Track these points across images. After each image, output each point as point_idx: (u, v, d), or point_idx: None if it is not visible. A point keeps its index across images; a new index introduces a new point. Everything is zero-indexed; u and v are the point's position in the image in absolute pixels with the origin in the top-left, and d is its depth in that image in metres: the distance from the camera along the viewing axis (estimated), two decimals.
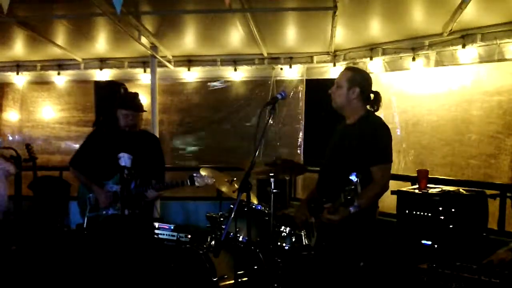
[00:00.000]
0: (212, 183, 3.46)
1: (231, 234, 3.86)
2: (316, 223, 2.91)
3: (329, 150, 2.94)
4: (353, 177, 2.30)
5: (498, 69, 4.38)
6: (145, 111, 3.58)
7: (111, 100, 3.67)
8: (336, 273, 2.74)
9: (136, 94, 3.62)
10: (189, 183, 3.40)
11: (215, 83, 6.50)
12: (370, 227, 2.78)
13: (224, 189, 4.03)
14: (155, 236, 4.89)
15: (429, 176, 3.99)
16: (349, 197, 2.30)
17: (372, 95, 2.86)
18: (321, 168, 2.99)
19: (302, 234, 3.78)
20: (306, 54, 5.92)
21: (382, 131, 2.73)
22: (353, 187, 2.28)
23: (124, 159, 3.35)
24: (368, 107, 2.86)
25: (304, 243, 3.75)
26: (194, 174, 3.39)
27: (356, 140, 2.71)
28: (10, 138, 6.89)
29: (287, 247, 3.78)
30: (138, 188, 3.39)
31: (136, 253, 3.43)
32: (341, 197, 2.37)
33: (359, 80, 2.81)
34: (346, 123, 2.89)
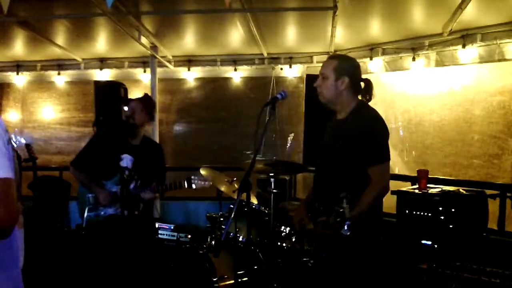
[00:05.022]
0: (209, 186, 3.47)
1: (231, 234, 3.86)
2: (314, 231, 2.77)
3: (322, 151, 2.70)
4: (343, 199, 2.19)
5: (499, 69, 4.39)
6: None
7: (113, 99, 3.66)
8: (339, 285, 2.56)
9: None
10: (186, 185, 3.41)
11: None
12: (374, 234, 2.53)
13: (224, 189, 4.03)
14: (156, 236, 4.89)
15: (431, 176, 3.99)
16: (338, 220, 2.22)
17: (362, 84, 2.58)
18: (316, 170, 2.76)
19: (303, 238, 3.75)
20: (306, 54, 5.92)
21: (377, 127, 2.47)
22: (341, 210, 2.19)
23: (126, 160, 3.39)
24: (359, 97, 2.58)
25: (304, 248, 3.72)
26: (192, 177, 3.40)
27: (348, 139, 2.47)
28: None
29: (286, 247, 3.78)
30: (137, 189, 3.40)
31: (135, 253, 3.43)
32: (332, 217, 2.22)
33: (346, 68, 2.54)
34: (337, 119, 2.62)
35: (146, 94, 3.71)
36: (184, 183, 3.41)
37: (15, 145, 1.57)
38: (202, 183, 3.41)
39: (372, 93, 2.59)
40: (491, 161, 4.46)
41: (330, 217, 2.27)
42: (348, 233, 2.15)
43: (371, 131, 2.45)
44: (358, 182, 2.43)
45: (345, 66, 2.56)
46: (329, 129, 2.69)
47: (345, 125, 2.53)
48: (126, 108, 3.49)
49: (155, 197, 3.52)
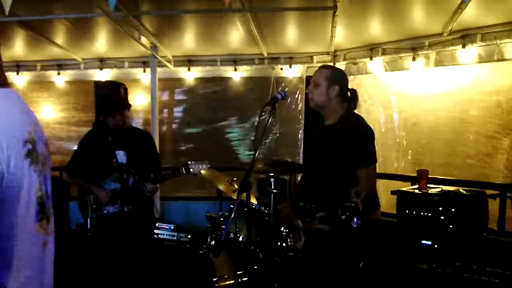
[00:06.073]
0: (207, 168, 3.49)
1: (231, 234, 3.86)
2: (304, 228, 2.80)
3: (311, 152, 2.88)
4: (353, 193, 2.20)
5: (497, 69, 4.38)
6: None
7: (113, 99, 3.66)
8: (329, 279, 2.67)
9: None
10: (184, 171, 3.42)
11: None
12: (363, 230, 2.60)
13: (224, 189, 4.03)
14: (155, 235, 4.89)
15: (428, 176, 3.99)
16: (348, 214, 2.22)
17: (349, 93, 2.81)
18: (305, 171, 2.91)
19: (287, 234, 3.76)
20: (306, 54, 5.92)
21: (364, 132, 2.68)
22: (353, 205, 2.20)
23: (120, 156, 3.39)
24: (346, 105, 2.79)
25: (289, 244, 3.72)
26: (189, 162, 3.42)
27: (338, 142, 2.66)
28: None
29: (286, 247, 3.78)
30: (137, 183, 3.41)
31: (139, 250, 3.44)
32: (338, 212, 2.26)
33: (337, 77, 2.76)
34: (325, 124, 2.82)
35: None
36: (182, 170, 3.42)
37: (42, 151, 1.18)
38: (200, 166, 3.43)
39: (357, 102, 2.83)
40: (484, 161, 4.46)
41: (336, 211, 2.32)
42: (359, 224, 2.21)
43: (359, 136, 2.65)
44: (347, 183, 2.53)
45: (336, 75, 2.78)
46: (318, 133, 2.87)
47: (335, 130, 2.72)
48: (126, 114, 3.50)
49: (157, 188, 3.54)
